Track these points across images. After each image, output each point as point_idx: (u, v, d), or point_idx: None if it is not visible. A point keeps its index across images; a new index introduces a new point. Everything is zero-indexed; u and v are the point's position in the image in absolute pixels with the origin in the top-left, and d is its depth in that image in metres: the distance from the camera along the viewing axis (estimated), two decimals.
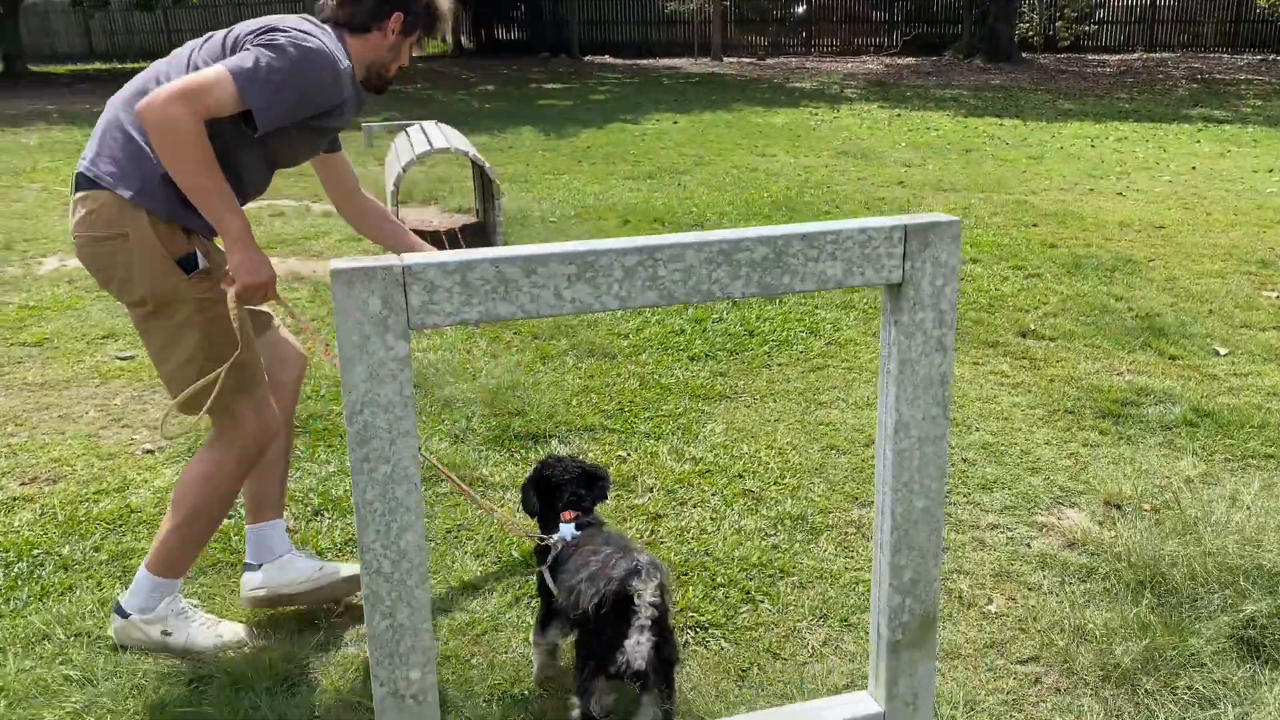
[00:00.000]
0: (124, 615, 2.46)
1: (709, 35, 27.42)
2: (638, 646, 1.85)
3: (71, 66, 28.09)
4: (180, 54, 2.33)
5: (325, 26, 2.36)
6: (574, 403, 4.05)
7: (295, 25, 2.27)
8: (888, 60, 25.25)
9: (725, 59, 26.52)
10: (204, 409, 2.30)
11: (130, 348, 4.71)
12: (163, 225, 2.23)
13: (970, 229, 7.06)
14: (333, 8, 2.39)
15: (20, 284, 5.82)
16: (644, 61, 27.05)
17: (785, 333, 4.92)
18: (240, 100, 2.14)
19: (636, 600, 1.84)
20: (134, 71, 2.52)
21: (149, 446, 3.65)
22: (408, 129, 7.83)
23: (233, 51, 2.24)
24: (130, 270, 2.25)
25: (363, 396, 1.41)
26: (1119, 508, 3.19)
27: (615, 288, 1.53)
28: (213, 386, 2.28)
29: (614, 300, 1.52)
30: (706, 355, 4.63)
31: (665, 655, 1.92)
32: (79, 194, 2.27)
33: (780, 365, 4.52)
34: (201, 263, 2.29)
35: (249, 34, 2.25)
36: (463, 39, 33.94)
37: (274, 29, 2.23)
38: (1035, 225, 7.17)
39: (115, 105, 2.32)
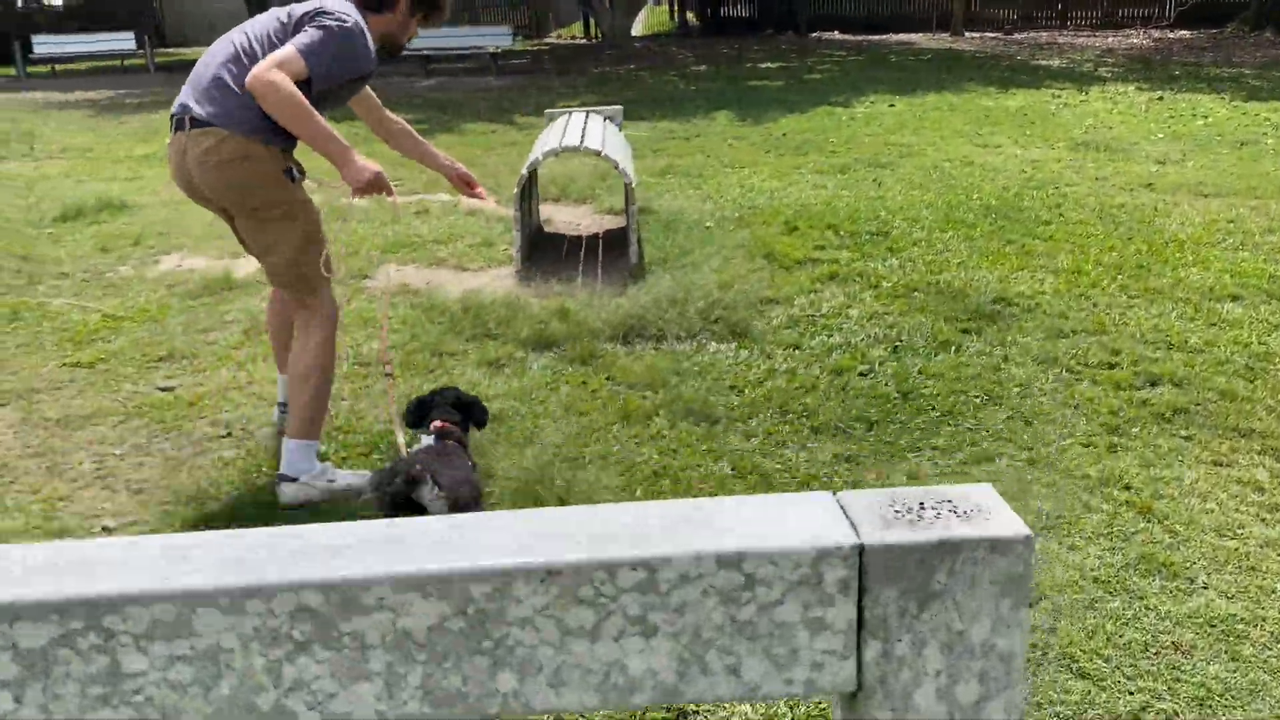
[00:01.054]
0: (293, 479, 3.05)
1: (950, 8, 25.31)
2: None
3: None
4: (250, 27, 3.00)
5: (353, 5, 3.00)
6: (638, 492, 3.10)
7: (337, 7, 2.93)
8: (1157, 34, 22.36)
9: (967, 34, 24.38)
10: (304, 289, 3.12)
11: (176, 376, 4.16)
12: (270, 149, 2.91)
13: (1233, 250, 5.51)
14: None
15: (124, 287, 5.46)
16: (875, 37, 25.32)
17: (954, 398, 3.75)
18: (305, 70, 2.82)
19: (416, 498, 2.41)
20: None
21: (110, 523, 3.00)
22: (557, 119, 7.04)
23: (295, 30, 2.91)
24: (251, 184, 2.93)
25: None
26: None
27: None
28: (311, 275, 3.09)
29: None
30: (836, 427, 3.55)
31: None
32: (194, 130, 2.89)
33: (935, 450, 3.37)
34: (297, 174, 3.02)
35: (306, 15, 2.93)
36: (689, 16, 33.17)
37: (323, 12, 2.91)
38: None
39: (213, 65, 2.96)
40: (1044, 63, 17.52)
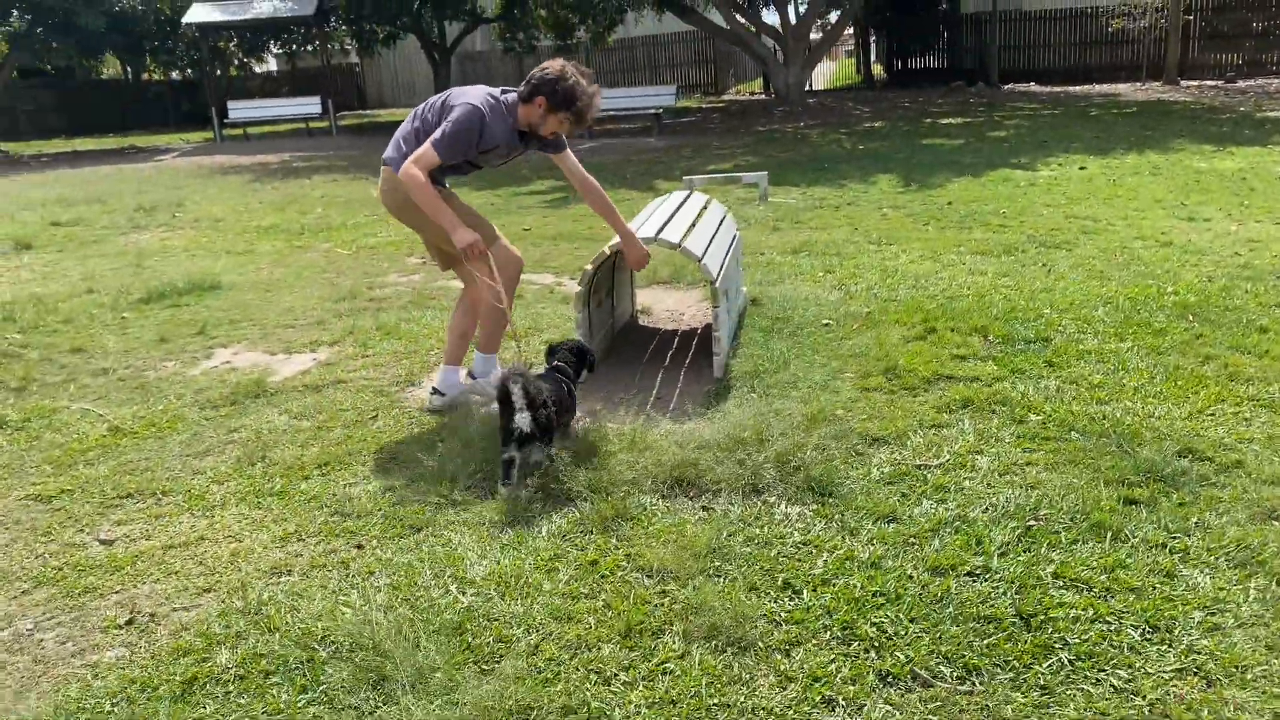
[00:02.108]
0: (474, 377, 4.50)
1: (1162, 55, 23.09)
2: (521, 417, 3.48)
3: None
4: (424, 105, 4.24)
5: (506, 95, 4.12)
6: None
7: (471, 100, 4.03)
8: None
9: (1182, 82, 22.12)
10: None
11: (128, 522, 3.49)
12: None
13: None
14: (520, 88, 4.08)
15: (153, 390, 4.93)
16: (1074, 89, 23.37)
17: (1098, 628, 2.59)
18: (437, 159, 3.96)
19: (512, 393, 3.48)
20: None
21: None
22: (671, 195, 6.16)
23: (444, 113, 4.08)
24: (407, 204, 4.13)
25: None
26: None
27: None
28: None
29: None
30: (915, 672, 2.46)
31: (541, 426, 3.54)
32: (384, 168, 4.24)
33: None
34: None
35: (450, 109, 4.05)
36: (875, 68, 31.93)
37: (456, 107, 4.02)
38: None
39: (401, 129, 4.25)
40: (1272, 114, 15.42)
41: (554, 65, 4.00)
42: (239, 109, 21.19)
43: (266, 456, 3.95)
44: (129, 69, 33.12)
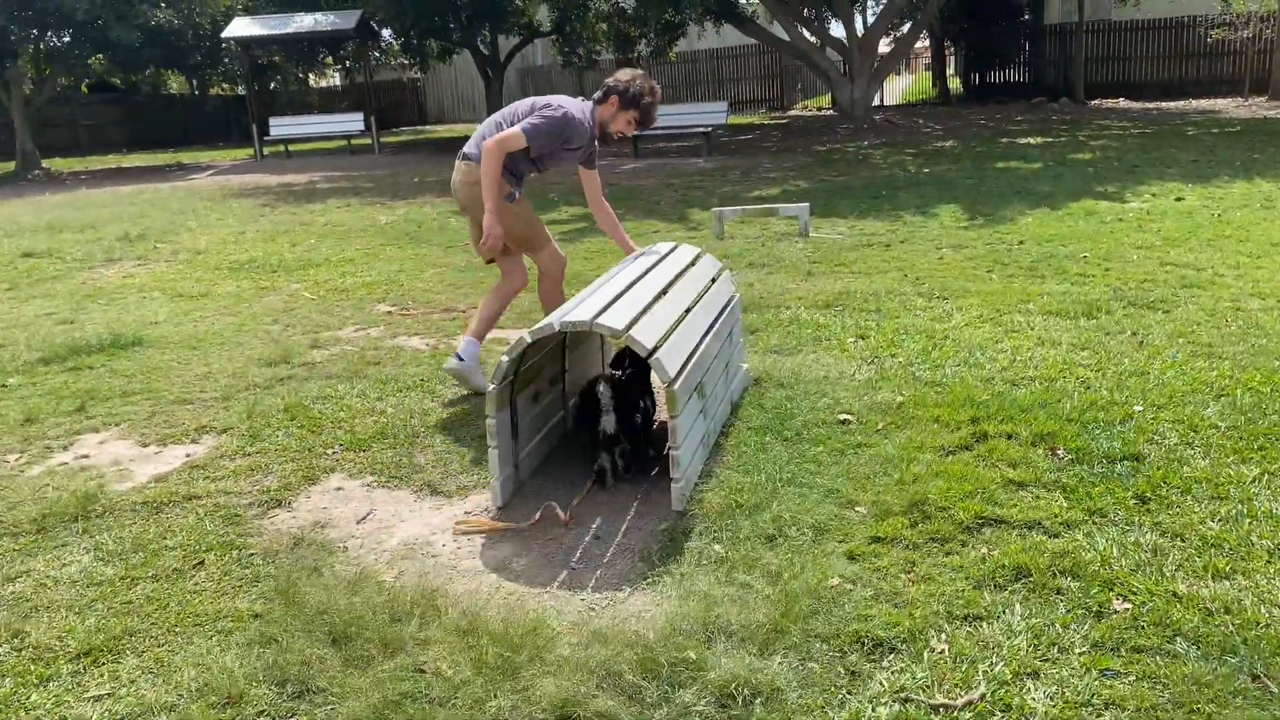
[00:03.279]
0: (460, 359, 4.72)
1: (1268, 68, 21.15)
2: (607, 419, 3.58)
3: None
4: (510, 107, 4.64)
5: (588, 100, 4.62)
6: None
7: (560, 101, 4.52)
8: None
9: None
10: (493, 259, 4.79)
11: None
12: (501, 182, 4.50)
13: None
14: (597, 93, 4.62)
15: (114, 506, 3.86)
16: (1169, 105, 21.56)
17: None
18: (525, 141, 4.38)
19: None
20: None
21: None
22: (667, 251, 4.95)
23: (530, 113, 4.48)
24: (479, 200, 4.51)
25: None
26: None
27: None
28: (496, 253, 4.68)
29: None
30: None
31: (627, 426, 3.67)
32: (462, 163, 4.66)
33: None
34: (514, 198, 4.64)
35: (537, 106, 4.50)
36: (951, 82, 30.29)
37: (548, 104, 4.49)
38: None
39: (482, 127, 4.63)
40: None
41: (624, 72, 4.62)
42: (281, 125, 20.53)
43: (20, 635, 2.83)
44: (194, 83, 33.02)
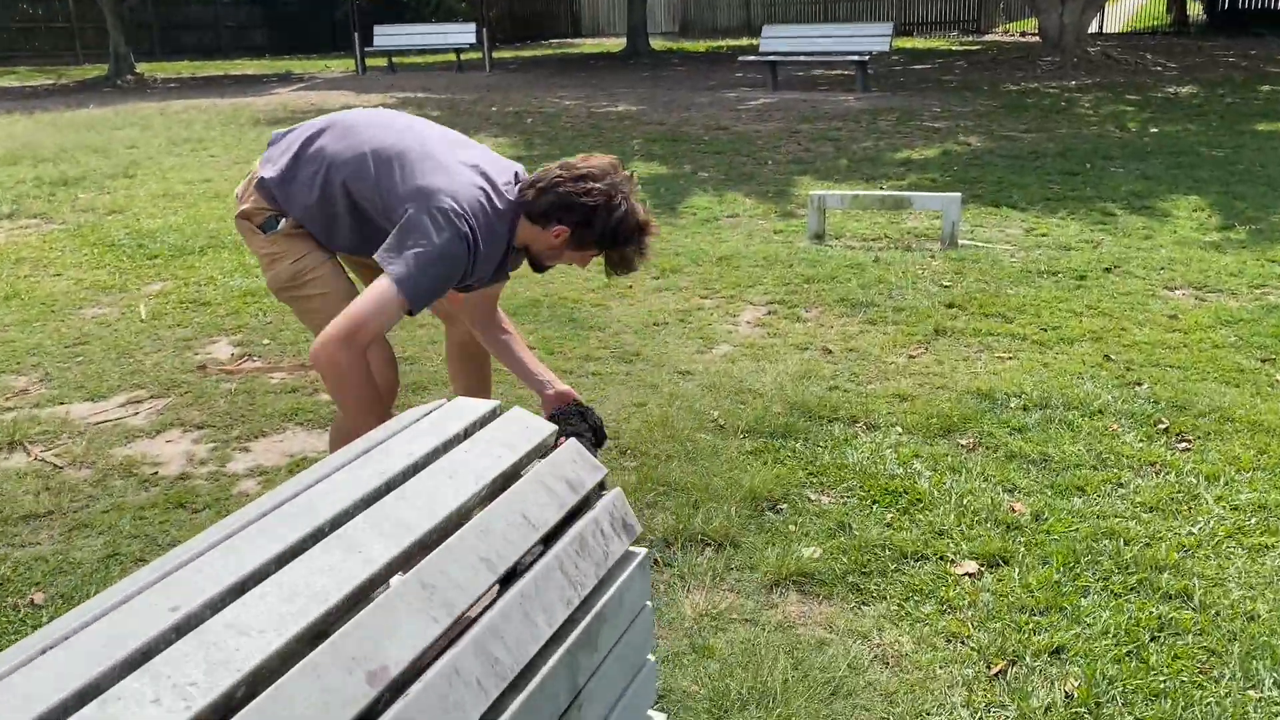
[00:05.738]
0: None
1: None
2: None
3: (711, 42, 25.76)
4: (368, 165, 2.35)
5: (501, 193, 2.35)
6: None
7: (460, 203, 2.24)
8: None
9: None
10: None
11: None
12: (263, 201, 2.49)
13: None
14: (524, 186, 2.36)
15: None
16: None
17: None
18: (407, 306, 2.20)
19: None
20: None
21: None
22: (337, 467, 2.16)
23: (405, 199, 2.26)
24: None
25: None
26: None
27: None
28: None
29: None
30: None
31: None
32: (247, 221, 2.59)
33: None
34: (277, 225, 2.46)
35: (412, 210, 2.24)
36: (1187, 6, 25.11)
37: (429, 212, 2.22)
38: None
39: (293, 163, 2.44)
40: None
41: (594, 171, 2.33)
42: (385, 34, 18.16)
43: None
44: None
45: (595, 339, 4.30)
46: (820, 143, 9.31)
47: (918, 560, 2.58)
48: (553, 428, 1.76)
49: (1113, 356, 3.92)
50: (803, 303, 4.73)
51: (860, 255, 5.42)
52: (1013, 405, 3.50)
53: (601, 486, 1.71)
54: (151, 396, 3.77)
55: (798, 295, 4.82)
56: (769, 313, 4.64)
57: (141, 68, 19.21)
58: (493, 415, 1.68)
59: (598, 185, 2.31)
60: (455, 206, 2.24)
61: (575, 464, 1.68)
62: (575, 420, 2.56)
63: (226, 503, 2.96)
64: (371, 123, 2.47)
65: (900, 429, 3.34)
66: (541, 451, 1.65)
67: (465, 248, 2.24)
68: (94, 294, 5.05)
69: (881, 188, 7.23)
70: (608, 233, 2.33)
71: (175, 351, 4.19)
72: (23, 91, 16.80)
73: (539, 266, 2.51)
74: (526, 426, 1.70)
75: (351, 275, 2.62)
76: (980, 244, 5.63)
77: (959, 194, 5.72)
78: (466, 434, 1.64)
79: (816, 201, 5.77)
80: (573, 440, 1.78)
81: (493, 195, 2.34)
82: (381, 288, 2.19)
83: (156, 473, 3.16)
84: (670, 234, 6.02)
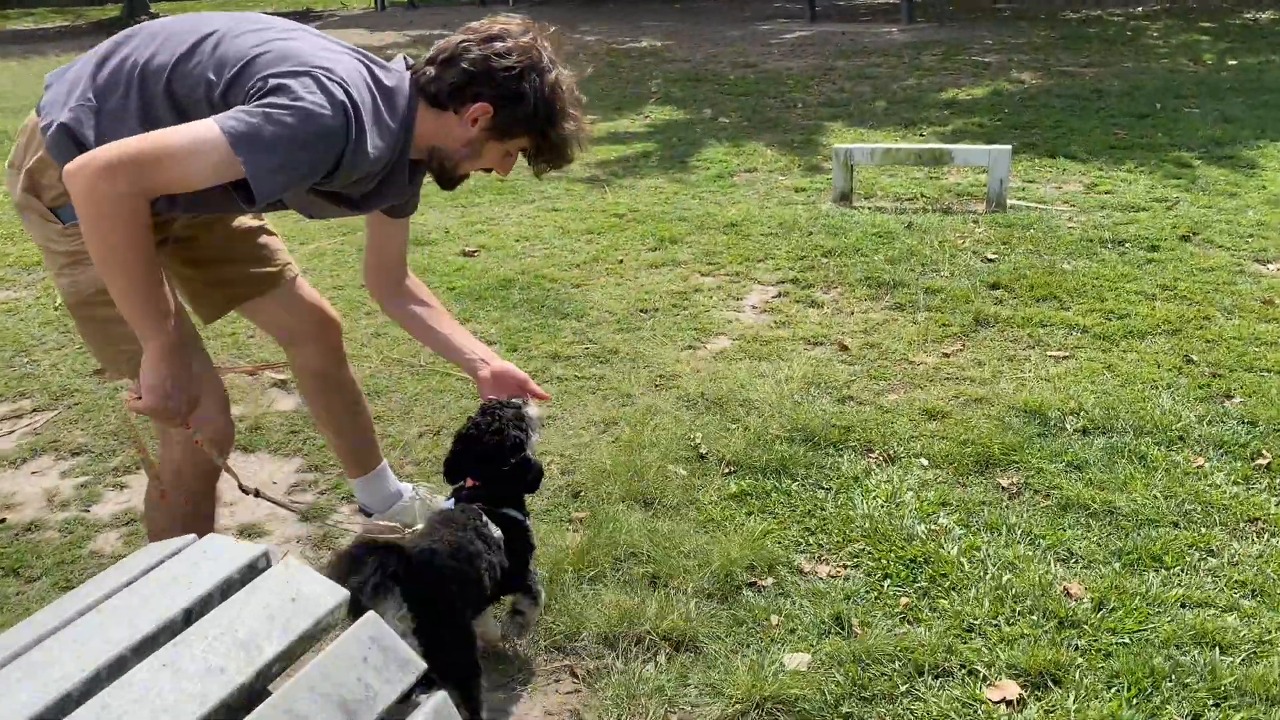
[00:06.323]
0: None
1: None
2: None
3: None
4: (205, 40, 1.71)
5: (390, 78, 1.76)
6: None
7: (339, 75, 1.64)
8: None
9: None
10: None
11: None
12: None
13: None
14: (422, 64, 1.79)
15: None
16: None
17: None
18: (232, 170, 1.56)
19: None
20: None
21: None
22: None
23: (243, 76, 1.65)
24: None
25: None
26: None
27: None
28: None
29: None
30: None
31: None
32: (22, 173, 1.85)
33: None
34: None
35: (268, 72, 1.63)
36: None
37: (294, 71, 1.62)
38: None
39: (93, 70, 1.74)
40: None
41: (510, 29, 1.79)
42: None
43: None
44: None
45: (569, 330, 3.64)
46: (857, 81, 8.45)
47: (939, 678, 1.93)
48: (340, 594, 1.14)
49: (1194, 357, 3.19)
50: (819, 282, 4.02)
51: (891, 221, 4.67)
52: (1069, 429, 2.80)
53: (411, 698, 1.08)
54: (35, 409, 3.19)
55: (814, 272, 4.11)
56: (779, 295, 3.94)
57: (155, 8, 18.58)
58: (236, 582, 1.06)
59: (518, 42, 1.76)
60: (330, 71, 1.65)
61: (363, 668, 1.05)
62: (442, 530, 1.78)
63: (70, 568, 2.37)
64: (191, 17, 1.82)
65: (925, 461, 2.66)
66: (307, 641, 1.03)
67: (343, 119, 1.62)
68: (13, 273, 4.47)
69: (921, 135, 6.42)
70: (541, 106, 1.76)
71: (79, 350, 3.59)
72: (46, 34, 16.24)
73: (449, 177, 1.88)
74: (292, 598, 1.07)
75: (182, 298, 1.98)
76: (1032, 204, 4.85)
77: (1009, 146, 4.93)
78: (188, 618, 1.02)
79: (842, 156, 5.01)
80: (369, 617, 1.15)
81: (378, 72, 1.77)
82: (203, 125, 1.56)
83: (4, 520, 2.58)
84: (675, 193, 5.30)
